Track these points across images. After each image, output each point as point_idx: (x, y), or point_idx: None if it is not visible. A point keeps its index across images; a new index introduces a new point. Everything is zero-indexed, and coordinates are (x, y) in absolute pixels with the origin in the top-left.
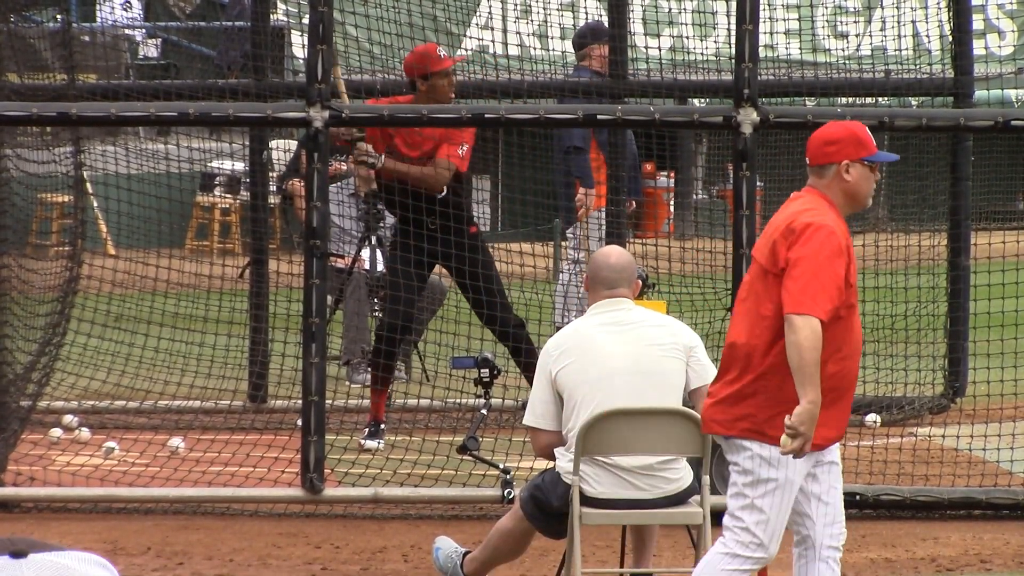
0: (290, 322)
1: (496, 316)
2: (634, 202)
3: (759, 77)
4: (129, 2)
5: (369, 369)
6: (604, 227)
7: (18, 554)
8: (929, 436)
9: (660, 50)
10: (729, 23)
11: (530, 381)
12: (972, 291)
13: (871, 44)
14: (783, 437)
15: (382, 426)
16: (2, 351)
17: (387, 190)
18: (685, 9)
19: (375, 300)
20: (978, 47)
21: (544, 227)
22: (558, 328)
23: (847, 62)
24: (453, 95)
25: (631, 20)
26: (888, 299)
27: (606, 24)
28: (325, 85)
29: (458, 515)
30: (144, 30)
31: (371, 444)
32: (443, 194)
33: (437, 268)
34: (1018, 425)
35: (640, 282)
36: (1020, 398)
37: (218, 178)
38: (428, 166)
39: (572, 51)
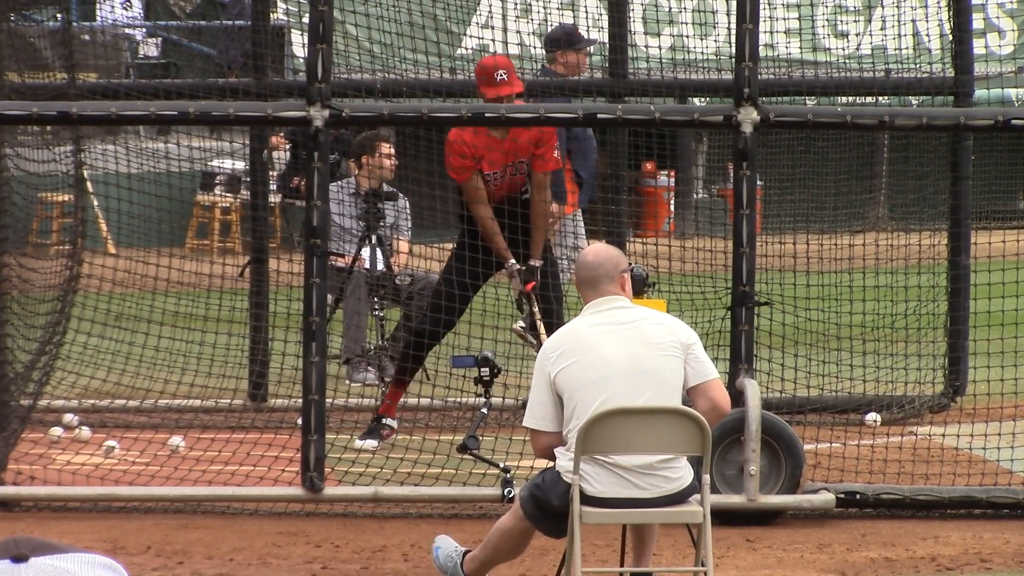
0: (290, 321)
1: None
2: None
3: (759, 76)
4: (129, 1)
5: (370, 368)
6: (579, 226)
7: (19, 558)
8: (929, 435)
9: (660, 49)
10: (729, 22)
11: None
12: (972, 290)
13: (871, 43)
14: None
15: (384, 420)
16: (2, 350)
17: (465, 218)
18: (685, 8)
19: (375, 299)
20: (978, 46)
21: None
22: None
23: (847, 61)
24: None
25: (631, 19)
26: (888, 298)
27: (584, 30)
28: (325, 84)
29: (458, 514)
30: (144, 29)
31: (368, 444)
32: (527, 194)
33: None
34: (1018, 424)
35: (627, 275)
36: (1020, 397)
37: (218, 177)
38: (517, 176)
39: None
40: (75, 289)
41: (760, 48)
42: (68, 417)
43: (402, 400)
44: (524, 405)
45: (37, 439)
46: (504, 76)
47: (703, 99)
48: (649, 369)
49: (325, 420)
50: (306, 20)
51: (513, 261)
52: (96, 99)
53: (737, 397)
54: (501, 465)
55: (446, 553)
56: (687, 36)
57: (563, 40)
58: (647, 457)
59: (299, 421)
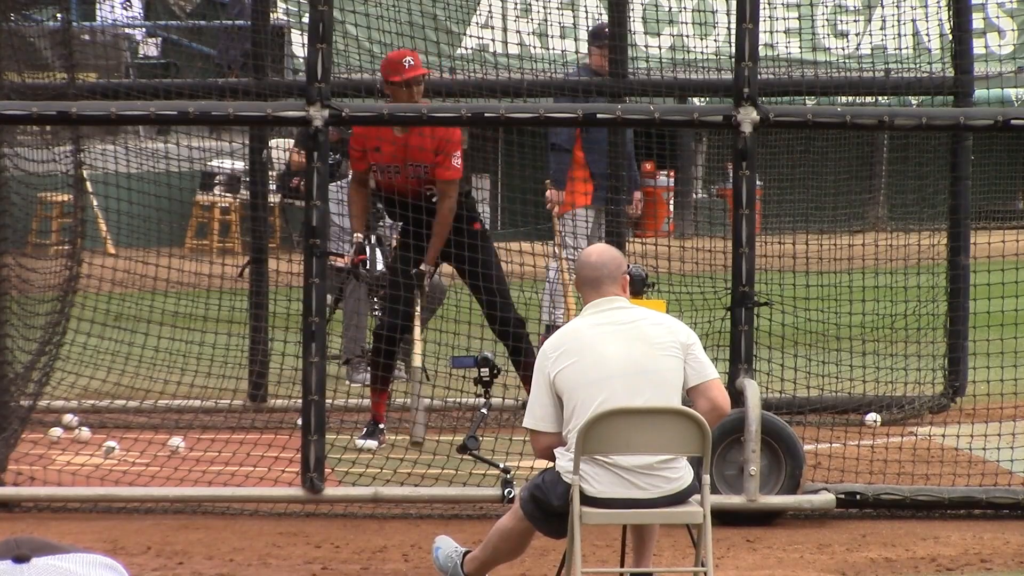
0: (290, 321)
1: (497, 314)
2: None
3: (759, 76)
4: (129, 1)
5: (368, 368)
6: (591, 225)
7: (21, 559)
8: (929, 435)
9: (660, 49)
10: (729, 22)
11: (526, 381)
12: (972, 290)
13: (871, 43)
14: None
15: (381, 426)
16: (2, 350)
17: (387, 201)
18: (685, 8)
19: (375, 299)
20: (978, 46)
21: (544, 226)
22: (547, 327)
23: (847, 61)
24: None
25: (631, 19)
26: (888, 298)
27: (585, 30)
28: (325, 84)
29: (458, 514)
30: (144, 29)
31: (367, 444)
32: (434, 199)
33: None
34: (1018, 424)
35: (628, 276)
36: (1020, 397)
37: (218, 177)
38: (420, 179)
39: (572, 50)
40: (75, 289)
41: (760, 48)
42: (68, 417)
43: (402, 400)
44: (524, 405)
45: (37, 439)
46: (412, 62)
47: (703, 99)
48: (649, 369)
49: (325, 420)
50: (306, 20)
51: (360, 235)
52: (96, 99)
53: (737, 397)
54: (501, 465)
55: (446, 553)
56: (687, 36)
57: (592, 35)
58: (647, 457)
59: (299, 421)
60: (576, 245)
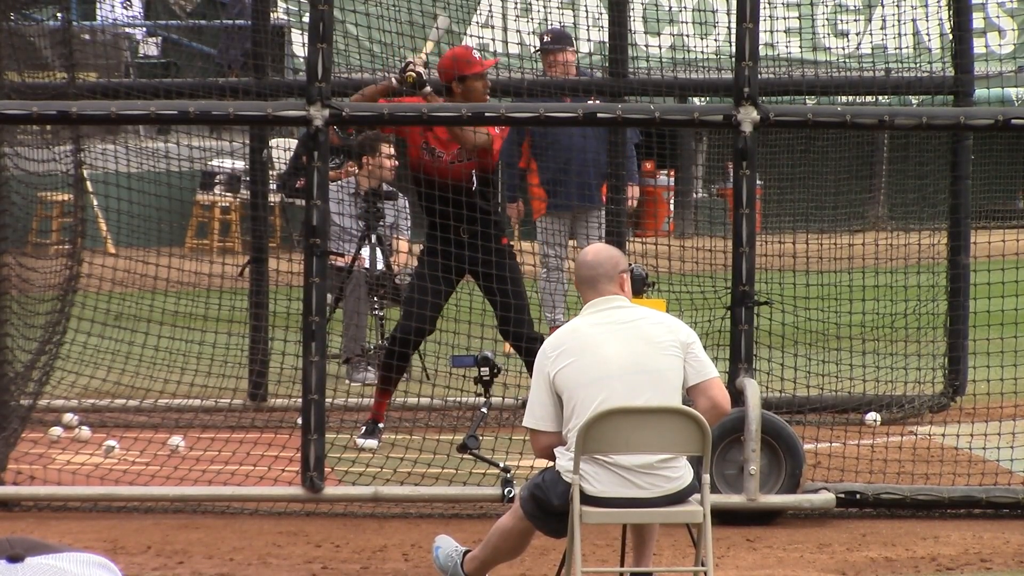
0: (290, 320)
1: (510, 329)
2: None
3: (759, 76)
4: (129, 1)
5: (370, 368)
6: (562, 232)
7: (14, 558)
8: (929, 435)
9: (660, 48)
10: (729, 21)
11: None
12: (972, 290)
13: (871, 42)
14: None
15: (380, 425)
16: (2, 350)
17: (428, 184)
18: (685, 7)
19: (375, 299)
20: (978, 45)
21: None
22: (552, 325)
23: (847, 61)
24: (488, 98)
25: (631, 18)
26: (888, 298)
27: (562, 29)
28: (325, 84)
29: (458, 514)
30: (144, 28)
31: (367, 443)
32: (475, 198)
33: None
34: (1018, 424)
35: (626, 275)
36: (1020, 397)
37: (218, 176)
38: (462, 163)
39: (571, 49)
40: (75, 289)
41: (760, 47)
42: (68, 417)
43: (402, 400)
44: (524, 405)
45: (37, 439)
46: (479, 54)
47: (703, 99)
48: (649, 368)
49: (325, 420)
50: (306, 20)
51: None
52: (96, 98)
53: (737, 397)
54: (501, 465)
55: (446, 553)
56: (687, 35)
57: (552, 39)
58: (647, 457)
59: (299, 421)
60: (544, 253)
